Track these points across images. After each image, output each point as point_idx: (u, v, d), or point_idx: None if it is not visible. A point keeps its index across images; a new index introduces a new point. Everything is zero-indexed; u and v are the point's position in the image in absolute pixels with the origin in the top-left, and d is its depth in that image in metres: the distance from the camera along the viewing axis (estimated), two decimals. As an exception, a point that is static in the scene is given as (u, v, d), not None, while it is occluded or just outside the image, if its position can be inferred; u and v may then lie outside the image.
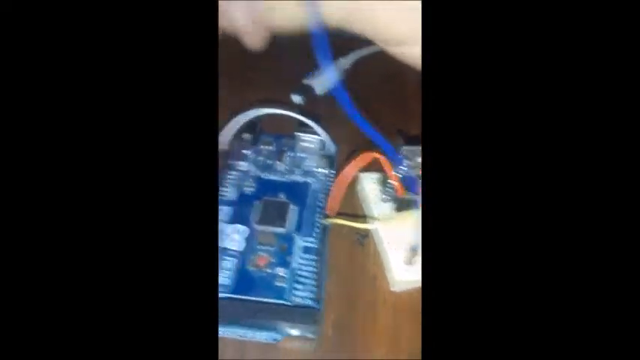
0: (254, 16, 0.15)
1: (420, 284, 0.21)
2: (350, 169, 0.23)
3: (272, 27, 0.16)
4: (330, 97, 0.32)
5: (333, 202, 0.23)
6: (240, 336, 0.19)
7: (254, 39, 0.17)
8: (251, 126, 0.27)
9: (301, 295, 0.20)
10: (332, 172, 0.26)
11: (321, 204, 0.24)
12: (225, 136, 0.26)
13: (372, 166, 0.23)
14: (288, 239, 0.22)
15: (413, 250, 0.21)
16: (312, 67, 0.31)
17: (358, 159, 0.22)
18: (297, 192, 0.25)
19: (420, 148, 0.22)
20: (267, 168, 0.26)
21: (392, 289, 0.21)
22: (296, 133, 0.26)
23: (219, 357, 0.18)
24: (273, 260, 0.21)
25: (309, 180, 0.26)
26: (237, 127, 0.25)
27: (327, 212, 0.23)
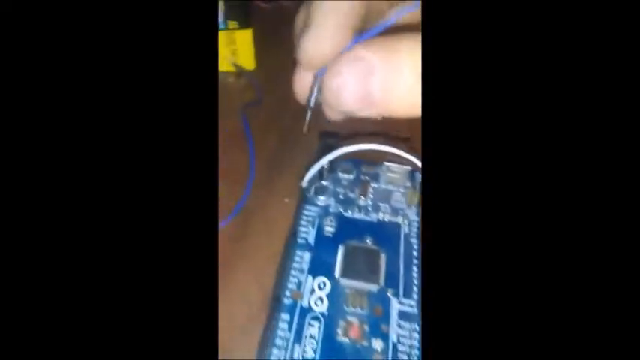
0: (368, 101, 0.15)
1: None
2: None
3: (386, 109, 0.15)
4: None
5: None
6: None
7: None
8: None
9: (406, 379, 0.17)
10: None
11: (416, 253, 0.20)
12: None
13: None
14: (382, 300, 0.19)
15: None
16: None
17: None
18: (384, 235, 0.21)
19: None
20: (349, 203, 0.22)
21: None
22: (385, 163, 0.22)
23: None
24: (366, 328, 0.18)
25: (399, 220, 0.22)
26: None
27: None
